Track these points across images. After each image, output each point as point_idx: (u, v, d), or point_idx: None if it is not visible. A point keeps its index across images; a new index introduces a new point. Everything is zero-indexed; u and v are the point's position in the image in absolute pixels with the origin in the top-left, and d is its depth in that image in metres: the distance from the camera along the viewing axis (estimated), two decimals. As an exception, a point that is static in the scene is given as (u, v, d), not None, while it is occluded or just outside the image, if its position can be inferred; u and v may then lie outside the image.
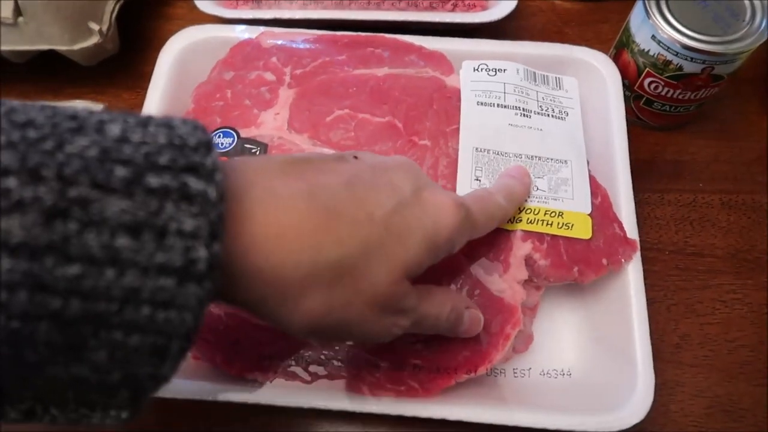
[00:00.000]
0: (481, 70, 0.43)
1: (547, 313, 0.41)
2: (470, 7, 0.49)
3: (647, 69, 0.44)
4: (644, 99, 0.46)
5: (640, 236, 0.44)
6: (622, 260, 0.39)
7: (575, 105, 0.43)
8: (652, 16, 0.41)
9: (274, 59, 0.44)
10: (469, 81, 0.43)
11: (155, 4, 0.55)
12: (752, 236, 0.45)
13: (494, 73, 0.43)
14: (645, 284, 0.43)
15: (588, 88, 0.45)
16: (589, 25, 0.54)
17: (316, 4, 0.49)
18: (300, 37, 0.45)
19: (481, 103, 0.42)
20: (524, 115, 0.42)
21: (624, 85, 0.46)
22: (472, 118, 0.41)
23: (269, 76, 0.44)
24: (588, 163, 0.41)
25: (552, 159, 0.40)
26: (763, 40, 0.40)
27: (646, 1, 0.42)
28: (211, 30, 0.47)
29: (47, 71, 0.50)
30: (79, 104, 0.50)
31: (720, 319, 0.42)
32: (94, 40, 0.47)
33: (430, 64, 0.44)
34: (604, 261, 0.38)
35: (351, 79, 0.43)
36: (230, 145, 0.41)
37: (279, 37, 0.45)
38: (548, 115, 0.42)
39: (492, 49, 0.46)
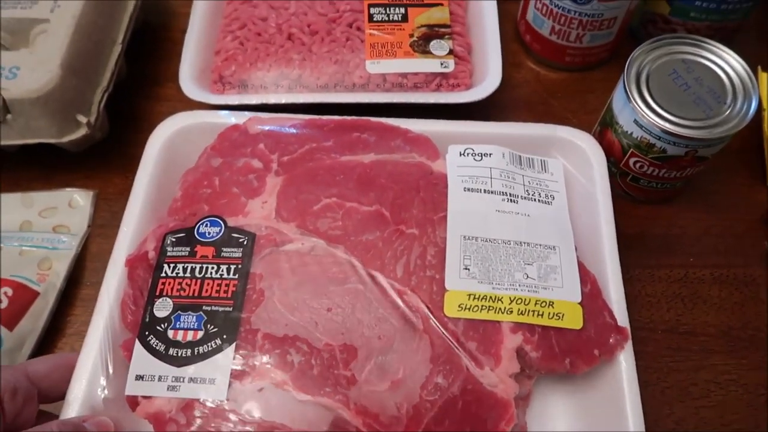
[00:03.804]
0: (467, 154, 0.43)
1: (540, 400, 0.40)
2: (454, 87, 0.50)
3: (631, 149, 0.44)
4: (630, 176, 0.46)
5: (631, 315, 0.44)
6: (614, 350, 0.38)
7: (561, 188, 0.43)
8: (633, 100, 0.41)
9: (261, 146, 0.44)
10: (455, 166, 0.43)
11: (145, 86, 0.56)
12: (745, 312, 0.44)
13: (480, 157, 0.43)
14: (638, 366, 0.42)
15: (573, 168, 0.45)
16: (574, 95, 0.54)
17: (302, 88, 0.50)
18: (287, 122, 0.46)
19: (468, 189, 0.42)
20: (511, 200, 0.42)
21: (610, 161, 0.46)
22: (460, 204, 0.41)
23: (256, 164, 0.44)
24: (576, 249, 0.41)
25: (540, 245, 0.40)
26: (745, 123, 0.40)
27: (627, 86, 0.42)
28: (200, 116, 0.47)
29: (38, 158, 0.51)
30: (71, 193, 0.50)
31: (715, 402, 0.42)
32: (83, 132, 0.48)
33: (416, 149, 0.44)
34: (596, 352, 0.38)
35: (338, 167, 0.43)
36: (218, 234, 0.41)
37: (266, 122, 0.46)
38: (534, 199, 0.42)
39: (478, 130, 0.46)
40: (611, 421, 0.37)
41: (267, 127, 0.46)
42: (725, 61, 0.43)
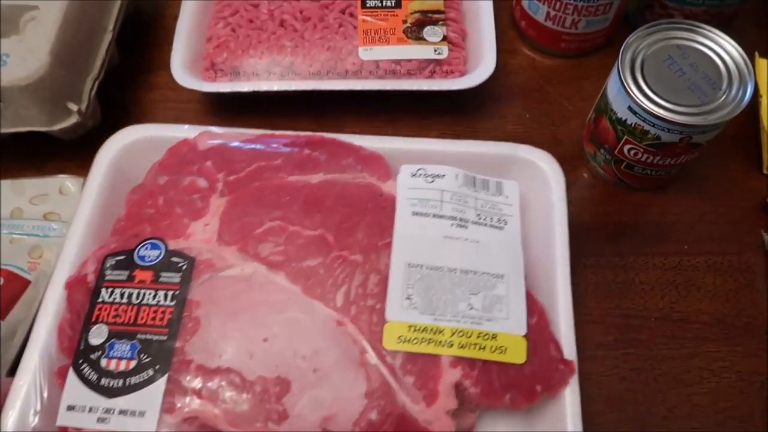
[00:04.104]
0: (419, 175, 0.42)
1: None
2: (448, 74, 0.49)
3: (626, 136, 0.43)
4: (625, 163, 0.46)
5: (625, 303, 0.44)
6: (558, 386, 0.37)
7: (515, 212, 0.42)
8: (627, 87, 0.41)
9: (209, 163, 0.43)
10: (405, 188, 0.42)
11: (137, 73, 0.56)
12: (740, 300, 0.44)
13: (432, 179, 0.42)
14: (631, 353, 0.43)
15: (531, 189, 0.44)
16: (569, 81, 0.53)
17: (295, 75, 0.49)
18: (239, 138, 0.44)
19: (417, 213, 0.41)
20: (461, 225, 0.41)
21: (605, 149, 0.46)
22: (407, 230, 0.40)
23: (202, 183, 0.43)
24: (525, 277, 0.40)
25: (487, 273, 0.39)
26: (740, 110, 0.40)
27: (621, 72, 0.41)
28: (151, 129, 0.46)
29: (30, 146, 0.50)
30: (62, 179, 0.50)
31: (708, 389, 0.42)
32: (74, 120, 0.47)
33: (368, 168, 0.43)
34: (538, 388, 0.37)
35: (285, 187, 0.42)
36: (157, 258, 0.40)
37: (217, 137, 0.44)
38: (486, 224, 0.41)
39: (435, 148, 0.45)
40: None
41: (217, 142, 0.44)
42: (721, 47, 0.42)
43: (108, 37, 0.51)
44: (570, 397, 0.37)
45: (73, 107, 0.47)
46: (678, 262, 0.46)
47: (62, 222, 0.48)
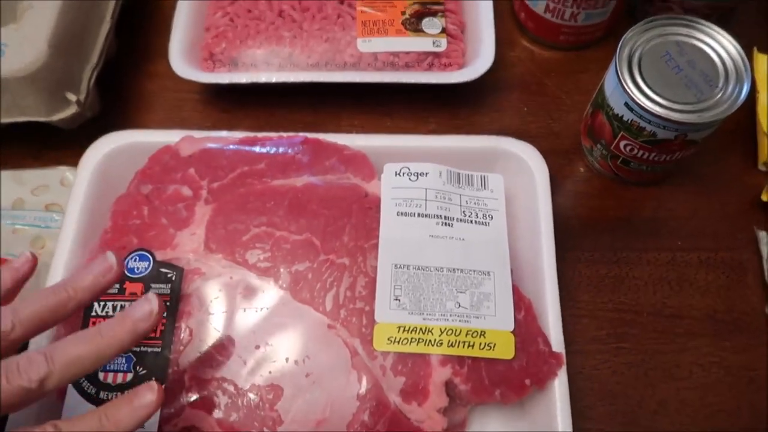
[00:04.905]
0: (403, 174, 0.42)
1: (477, 425, 0.40)
2: (446, 66, 0.49)
3: (622, 132, 0.44)
4: (621, 159, 0.46)
5: (618, 298, 0.45)
6: (546, 379, 0.38)
7: (500, 206, 0.42)
8: (624, 84, 0.41)
9: (191, 170, 0.43)
10: (390, 188, 0.42)
11: (135, 61, 0.55)
12: (730, 296, 0.45)
13: (416, 177, 0.42)
14: (623, 348, 0.43)
15: (516, 182, 0.44)
16: (568, 75, 0.53)
17: (293, 66, 0.49)
18: (221, 142, 0.44)
19: (402, 213, 0.41)
20: (446, 224, 0.41)
21: (601, 144, 0.46)
22: (392, 231, 0.40)
23: (186, 191, 0.43)
24: (512, 272, 0.40)
25: (474, 271, 0.39)
26: (735, 108, 0.40)
27: (618, 69, 0.41)
28: (132, 135, 0.46)
29: (28, 135, 0.51)
30: (63, 171, 0.50)
31: (697, 384, 0.42)
32: (72, 110, 0.47)
33: (351, 169, 0.43)
34: (527, 381, 0.38)
35: (269, 192, 0.42)
36: (146, 269, 0.40)
37: (199, 142, 0.45)
38: (471, 221, 0.41)
39: (418, 144, 0.45)
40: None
41: (199, 148, 0.44)
42: (719, 43, 0.42)
43: (107, 26, 0.51)
44: (559, 389, 0.38)
45: (72, 97, 0.47)
46: (671, 257, 0.46)
47: (63, 213, 0.48)
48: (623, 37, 0.42)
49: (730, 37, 0.42)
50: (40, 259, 0.45)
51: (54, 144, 0.51)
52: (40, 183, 0.50)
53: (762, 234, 0.46)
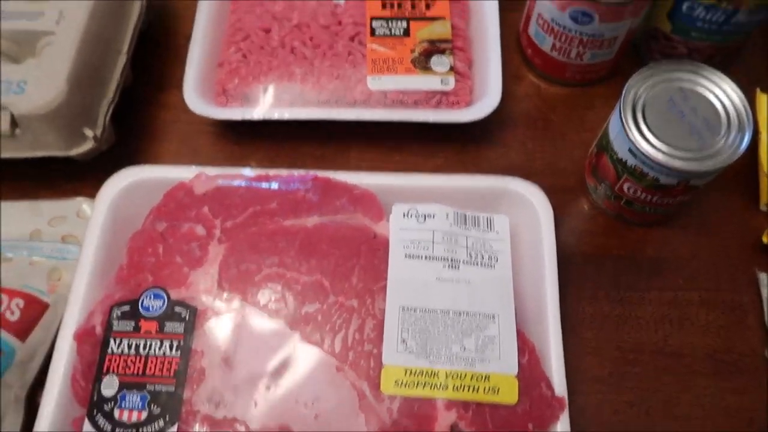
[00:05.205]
0: (411, 216, 0.44)
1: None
2: (454, 104, 0.50)
3: (625, 175, 0.44)
4: (624, 200, 0.47)
5: (620, 336, 0.46)
6: (549, 422, 0.39)
7: (505, 247, 0.43)
8: (628, 130, 0.42)
9: (205, 209, 0.44)
10: (398, 229, 0.43)
11: (150, 91, 0.57)
12: (731, 337, 0.46)
13: (423, 219, 0.43)
14: (624, 387, 0.44)
15: (521, 220, 0.45)
16: (574, 111, 0.54)
17: (304, 102, 0.50)
18: (234, 179, 0.46)
19: (409, 256, 0.42)
20: (452, 266, 0.42)
21: (605, 184, 0.47)
22: (400, 273, 0.42)
23: (200, 230, 0.44)
24: (516, 313, 0.41)
25: (480, 314, 0.40)
26: (737, 157, 0.41)
27: (623, 115, 0.42)
28: (149, 171, 0.48)
29: (44, 166, 0.52)
30: (80, 202, 0.51)
31: (697, 423, 0.43)
32: (89, 145, 0.49)
33: (360, 208, 0.44)
34: (530, 426, 0.39)
35: (280, 232, 0.44)
36: (160, 308, 0.41)
37: (212, 180, 0.46)
38: (477, 263, 0.42)
39: (426, 183, 0.46)
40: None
41: (213, 186, 0.46)
42: (723, 90, 0.43)
43: (123, 59, 0.52)
44: (561, 430, 0.39)
45: (89, 133, 0.48)
46: (673, 296, 0.47)
47: (79, 245, 0.49)
48: (627, 83, 0.43)
49: (734, 85, 0.43)
50: (57, 291, 0.47)
51: (70, 174, 0.52)
52: (57, 214, 0.51)
53: (763, 276, 0.47)
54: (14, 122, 0.46)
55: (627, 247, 0.49)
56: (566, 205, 0.51)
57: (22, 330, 0.45)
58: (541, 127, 0.54)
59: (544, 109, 0.55)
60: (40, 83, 0.47)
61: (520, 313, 0.42)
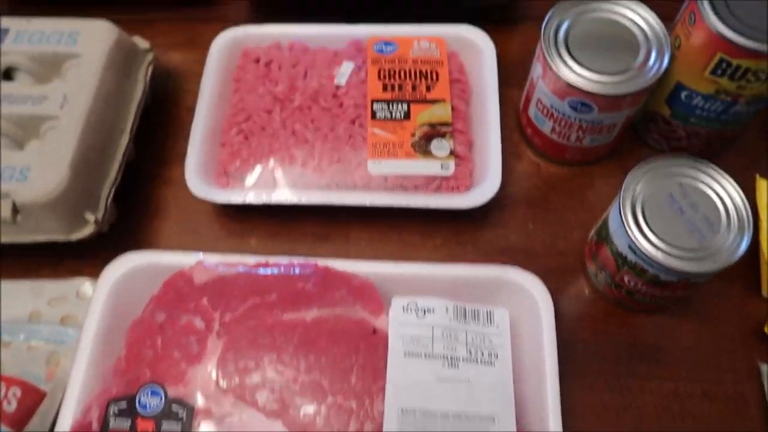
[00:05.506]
0: (410, 310, 0.44)
1: None
2: (454, 188, 0.50)
3: (625, 268, 0.44)
4: (625, 289, 0.47)
5: (620, 425, 0.45)
6: None
7: (505, 342, 0.43)
8: (628, 228, 0.42)
9: (204, 300, 0.45)
10: (397, 324, 0.43)
11: (151, 166, 0.57)
12: (734, 429, 0.45)
13: (423, 314, 0.43)
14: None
15: (520, 309, 0.45)
16: (573, 190, 0.54)
17: (305, 185, 0.51)
18: (234, 267, 0.46)
19: (409, 354, 0.42)
20: (452, 365, 0.42)
21: (605, 272, 0.47)
22: (399, 372, 0.41)
23: (199, 323, 0.44)
24: (516, 407, 0.41)
25: (479, 416, 0.40)
26: (736, 258, 0.41)
27: (622, 211, 0.42)
28: (149, 256, 0.48)
29: (45, 246, 0.52)
30: (80, 282, 0.51)
31: None
32: (90, 229, 0.49)
33: (360, 301, 0.44)
34: None
35: (279, 327, 0.44)
36: (157, 406, 0.41)
37: (212, 269, 0.46)
38: (477, 360, 0.42)
39: (425, 272, 0.46)
40: None
41: (212, 276, 0.46)
42: (723, 187, 0.43)
43: (126, 138, 0.53)
44: None
45: (90, 218, 0.49)
46: (674, 387, 0.47)
47: (78, 326, 0.49)
48: (626, 179, 0.43)
49: (734, 183, 0.43)
50: (55, 377, 0.47)
51: (70, 254, 0.52)
52: (57, 294, 0.51)
53: (764, 367, 0.46)
54: (15, 210, 0.47)
55: (627, 334, 0.48)
56: (566, 287, 0.51)
57: (19, 420, 0.44)
58: (540, 206, 0.54)
59: (543, 188, 0.55)
60: (43, 170, 0.47)
61: (520, 406, 0.42)
